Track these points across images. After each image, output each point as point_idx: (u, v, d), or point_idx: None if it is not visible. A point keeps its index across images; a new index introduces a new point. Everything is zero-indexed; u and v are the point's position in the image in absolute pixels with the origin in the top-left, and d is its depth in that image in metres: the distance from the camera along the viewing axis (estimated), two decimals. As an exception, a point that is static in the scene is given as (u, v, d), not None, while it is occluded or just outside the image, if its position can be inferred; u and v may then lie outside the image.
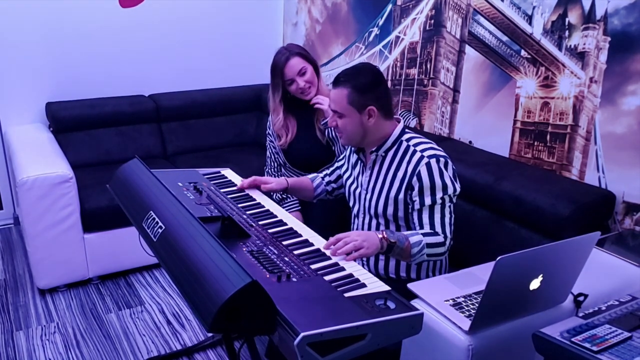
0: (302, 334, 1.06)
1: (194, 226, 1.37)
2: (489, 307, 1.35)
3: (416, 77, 2.92)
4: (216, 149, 3.59)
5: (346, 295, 1.26)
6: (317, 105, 2.25)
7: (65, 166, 2.70)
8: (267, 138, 2.43)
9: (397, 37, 3.01)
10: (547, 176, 2.17)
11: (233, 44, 3.83)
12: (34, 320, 2.57)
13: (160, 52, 3.59)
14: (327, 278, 1.34)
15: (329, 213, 2.27)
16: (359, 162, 1.89)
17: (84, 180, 2.82)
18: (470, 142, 2.65)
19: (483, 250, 2.11)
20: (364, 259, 1.83)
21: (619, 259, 1.79)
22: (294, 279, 1.31)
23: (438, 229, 1.70)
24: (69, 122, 3.22)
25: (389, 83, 3.05)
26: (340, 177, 2.02)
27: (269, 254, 1.43)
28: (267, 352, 2.12)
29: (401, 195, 1.75)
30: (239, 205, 1.77)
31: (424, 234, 1.66)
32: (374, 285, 1.32)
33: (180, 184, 1.86)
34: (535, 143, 2.35)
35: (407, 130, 1.82)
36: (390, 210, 1.78)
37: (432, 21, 2.77)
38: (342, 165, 2.01)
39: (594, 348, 1.16)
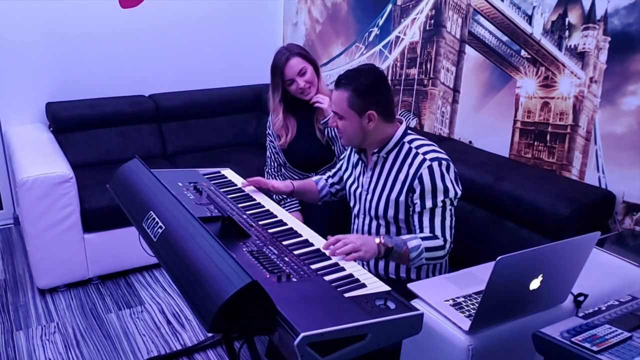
0: (302, 334, 1.06)
1: (194, 226, 1.37)
2: (489, 307, 1.35)
3: (416, 77, 2.92)
4: (216, 149, 3.58)
5: (346, 295, 1.26)
6: (317, 104, 2.25)
7: (65, 166, 2.70)
8: (267, 138, 2.44)
9: (397, 37, 3.01)
10: (547, 176, 2.17)
11: (233, 44, 3.83)
12: (34, 320, 2.57)
13: (160, 52, 3.59)
14: (327, 278, 1.34)
15: (329, 213, 2.27)
16: (360, 162, 1.88)
17: (84, 180, 2.82)
18: (470, 142, 2.65)
19: (483, 250, 2.11)
20: (364, 259, 1.83)
21: (619, 259, 1.79)
22: (294, 279, 1.31)
23: (438, 232, 1.69)
24: (69, 122, 3.22)
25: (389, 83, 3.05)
26: (343, 178, 2.02)
27: (269, 254, 1.43)
28: (267, 352, 2.12)
29: (402, 198, 1.74)
30: (239, 205, 1.77)
31: (423, 238, 1.65)
32: (374, 285, 1.32)
33: (180, 184, 1.86)
34: (535, 143, 2.35)
35: (409, 131, 1.81)
36: (390, 212, 1.78)
37: (432, 21, 2.77)
38: (342, 166, 2.01)
39: (594, 348, 1.16)
